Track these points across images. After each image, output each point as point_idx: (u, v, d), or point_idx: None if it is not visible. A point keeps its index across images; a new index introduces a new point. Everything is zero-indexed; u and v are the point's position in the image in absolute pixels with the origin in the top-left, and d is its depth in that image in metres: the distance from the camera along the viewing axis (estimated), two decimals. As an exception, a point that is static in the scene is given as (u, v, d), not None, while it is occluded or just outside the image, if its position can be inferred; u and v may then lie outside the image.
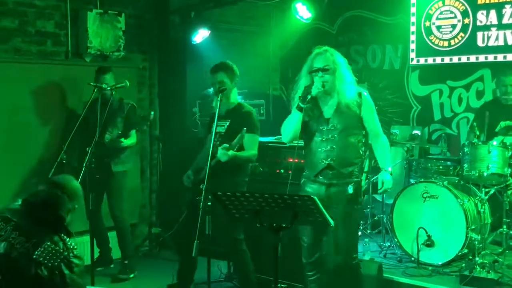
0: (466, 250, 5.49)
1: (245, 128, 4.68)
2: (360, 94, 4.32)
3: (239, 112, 5.05)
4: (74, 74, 6.44)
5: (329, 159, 4.25)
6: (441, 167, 6.22)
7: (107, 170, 5.90)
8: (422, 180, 5.89)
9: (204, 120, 6.64)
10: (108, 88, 5.48)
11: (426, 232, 5.58)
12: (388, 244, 6.14)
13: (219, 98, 4.81)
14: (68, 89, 6.41)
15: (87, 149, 5.18)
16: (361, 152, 4.36)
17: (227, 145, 4.66)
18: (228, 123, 5.02)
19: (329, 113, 4.31)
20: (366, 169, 6.67)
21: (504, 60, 6.66)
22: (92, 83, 5.57)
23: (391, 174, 4.37)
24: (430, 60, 7.24)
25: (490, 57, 6.78)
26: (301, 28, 8.07)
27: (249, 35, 8.13)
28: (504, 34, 6.64)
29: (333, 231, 4.25)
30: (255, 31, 8.19)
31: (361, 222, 6.58)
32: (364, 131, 4.38)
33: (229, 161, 4.69)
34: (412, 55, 7.34)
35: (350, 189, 4.24)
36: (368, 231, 6.56)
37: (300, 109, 4.18)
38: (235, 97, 5.17)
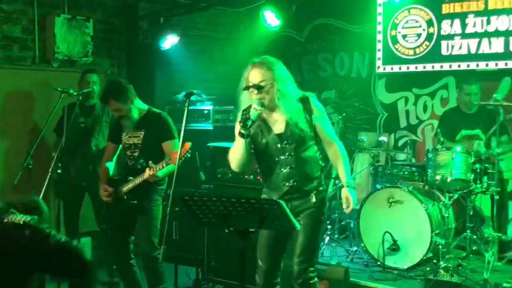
0: (430, 254, 5.55)
1: (169, 158, 4.53)
2: (307, 100, 3.94)
3: (153, 118, 4.83)
4: (41, 79, 6.37)
5: (291, 181, 3.90)
6: (406, 173, 6.28)
7: (95, 177, 5.81)
8: (388, 185, 5.95)
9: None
10: (75, 94, 5.45)
11: (392, 237, 5.63)
12: (355, 248, 6.19)
13: (120, 120, 4.79)
14: (35, 94, 6.34)
15: (53, 154, 5.13)
16: (321, 162, 4.02)
17: (154, 165, 4.55)
18: (143, 132, 4.81)
19: (280, 129, 3.93)
20: (333, 174, 6.73)
21: (468, 68, 6.76)
22: (59, 88, 5.50)
23: (354, 187, 3.96)
24: (396, 68, 7.32)
25: (454, 66, 6.87)
26: (270, 36, 8.11)
27: (218, 41, 8.14)
28: (468, 43, 6.75)
29: (292, 240, 3.99)
30: (224, 38, 8.20)
31: (329, 227, 6.63)
32: (318, 138, 4.01)
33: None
34: (379, 63, 7.42)
35: (313, 198, 3.93)
36: (336, 236, 6.59)
37: (244, 136, 3.76)
38: (141, 105, 4.87)
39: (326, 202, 4.10)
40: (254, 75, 3.85)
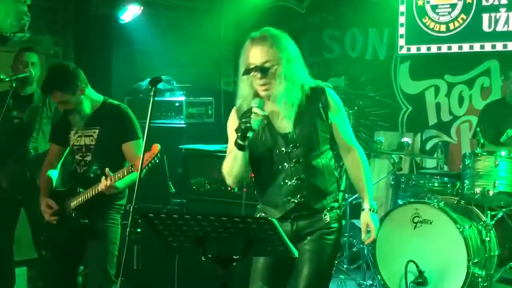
0: (467, 290, 5.60)
1: (132, 164, 4.54)
2: (323, 92, 3.87)
3: (110, 112, 4.81)
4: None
5: (298, 196, 3.82)
6: (436, 184, 6.32)
7: (34, 188, 5.80)
8: (413, 200, 5.97)
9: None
10: (7, 79, 5.42)
11: (417, 267, 5.65)
12: (369, 282, 6.21)
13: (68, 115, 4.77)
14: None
15: None
16: (336, 173, 3.99)
17: (111, 173, 4.53)
18: (97, 131, 4.78)
19: (285, 127, 3.83)
20: (342, 187, 6.76)
21: (516, 50, 6.85)
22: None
23: (376, 211, 3.92)
24: (423, 49, 7.37)
25: (499, 46, 6.95)
26: (260, 6, 8.15)
27: (194, 13, 8.14)
28: (516, 16, 6.84)
29: (296, 271, 3.90)
30: (202, 9, 8.21)
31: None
32: (332, 142, 3.94)
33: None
34: (401, 42, 7.47)
35: (326, 216, 3.83)
36: (345, 266, 6.62)
37: (242, 148, 3.66)
38: (94, 95, 4.84)
39: (342, 223, 4.06)
40: (255, 54, 3.77)
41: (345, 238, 6.68)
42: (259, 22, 8.25)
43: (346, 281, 6.30)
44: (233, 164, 3.80)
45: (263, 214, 3.94)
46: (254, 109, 3.67)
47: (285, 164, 3.82)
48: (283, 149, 3.82)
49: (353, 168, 3.96)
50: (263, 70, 3.72)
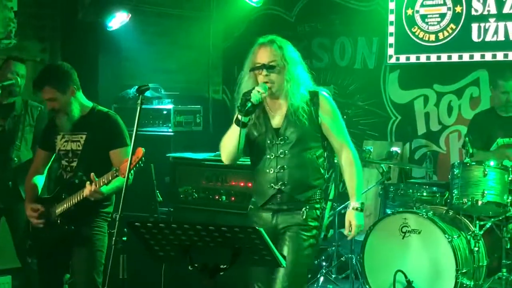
0: (456, 300, 5.59)
1: (116, 169, 4.53)
2: (317, 94, 4.24)
3: (99, 119, 4.81)
4: None
5: (279, 184, 4.15)
6: (425, 194, 6.33)
7: (16, 197, 5.76)
8: (401, 210, 5.97)
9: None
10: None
11: (406, 277, 5.65)
12: (358, 292, 6.20)
13: (55, 118, 4.75)
14: None
15: None
16: (323, 171, 4.26)
17: (97, 179, 4.51)
18: (85, 136, 4.77)
19: (278, 123, 4.22)
20: (331, 196, 6.76)
21: (505, 59, 6.86)
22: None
23: (362, 210, 4.21)
24: (413, 58, 7.39)
25: (488, 56, 6.96)
26: (250, 14, 8.14)
27: (182, 21, 8.14)
28: (505, 26, 6.84)
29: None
30: (190, 16, 8.22)
31: (324, 264, 6.63)
32: (325, 142, 4.28)
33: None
34: (391, 51, 7.49)
35: (303, 214, 4.12)
36: (333, 276, 6.61)
37: (239, 123, 4.05)
38: (84, 100, 4.85)
39: (321, 224, 4.23)
40: (263, 55, 4.15)
41: (334, 248, 6.67)
42: (248, 30, 8.27)
43: (334, 291, 6.29)
44: (228, 139, 4.18)
45: (252, 207, 4.30)
46: (257, 88, 4.07)
47: (273, 154, 4.19)
48: (274, 140, 4.19)
49: (345, 166, 4.26)
50: (268, 68, 4.11)
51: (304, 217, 4.13)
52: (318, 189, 4.21)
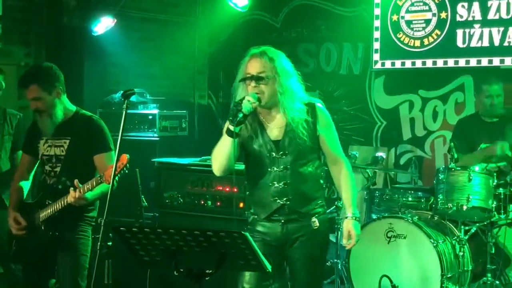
0: (441, 305, 5.61)
1: (101, 175, 4.48)
2: (313, 107, 4.23)
3: (82, 123, 4.79)
4: None
5: (284, 199, 4.15)
6: (410, 199, 6.35)
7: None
8: (387, 215, 5.98)
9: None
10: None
11: (391, 282, 5.66)
12: (343, 297, 6.21)
13: (38, 122, 4.74)
14: None
15: None
16: (322, 181, 4.31)
17: (80, 185, 4.49)
18: (68, 141, 4.75)
19: (277, 135, 4.19)
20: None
21: (490, 65, 6.89)
22: None
23: (359, 220, 4.29)
24: (398, 64, 7.41)
25: (473, 62, 7.00)
26: (235, 19, 8.14)
27: (168, 26, 8.14)
28: (490, 32, 6.88)
29: (291, 279, 4.27)
30: (176, 22, 8.22)
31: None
32: (320, 152, 4.30)
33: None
34: (376, 56, 7.51)
35: (316, 222, 4.18)
36: (319, 281, 6.60)
37: (232, 134, 4.02)
38: (68, 104, 4.84)
39: (329, 229, 4.37)
40: (253, 66, 4.12)
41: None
42: (233, 36, 8.28)
43: (319, 297, 6.27)
44: (219, 151, 4.13)
45: (254, 217, 4.28)
46: (247, 97, 4.03)
47: (274, 167, 4.17)
48: (273, 154, 4.17)
49: (339, 178, 4.30)
50: (257, 79, 4.08)
51: (317, 224, 4.20)
52: (320, 198, 4.27)
